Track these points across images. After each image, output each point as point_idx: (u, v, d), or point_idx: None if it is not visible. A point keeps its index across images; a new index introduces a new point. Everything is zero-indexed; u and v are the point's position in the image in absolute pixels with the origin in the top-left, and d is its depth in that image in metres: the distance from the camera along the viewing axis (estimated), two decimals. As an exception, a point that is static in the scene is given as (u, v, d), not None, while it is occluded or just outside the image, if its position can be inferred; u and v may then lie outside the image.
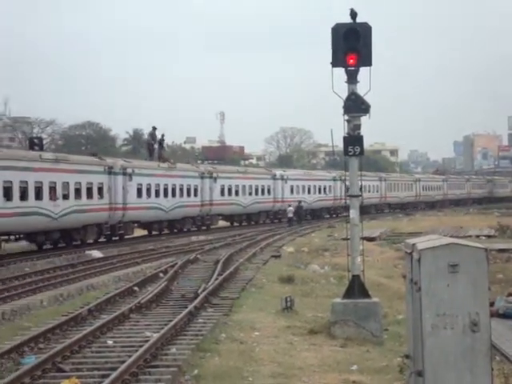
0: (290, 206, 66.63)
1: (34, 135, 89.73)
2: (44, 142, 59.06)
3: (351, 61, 17.33)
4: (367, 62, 17.35)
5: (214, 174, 60.97)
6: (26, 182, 37.91)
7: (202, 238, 50.28)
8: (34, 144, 45.31)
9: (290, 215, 65.43)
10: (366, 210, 72.93)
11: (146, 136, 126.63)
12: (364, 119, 17.70)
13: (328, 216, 79.57)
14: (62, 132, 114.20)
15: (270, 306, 21.19)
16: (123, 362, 13.87)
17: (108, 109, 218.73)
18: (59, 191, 40.74)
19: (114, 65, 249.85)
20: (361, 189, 18.21)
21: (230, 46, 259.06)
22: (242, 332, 17.60)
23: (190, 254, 35.99)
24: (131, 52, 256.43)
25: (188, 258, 33.93)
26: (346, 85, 17.62)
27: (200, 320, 19.08)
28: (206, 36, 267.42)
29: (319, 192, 78.27)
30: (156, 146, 58.39)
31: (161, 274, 28.49)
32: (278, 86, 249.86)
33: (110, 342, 16.47)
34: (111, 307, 21.37)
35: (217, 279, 25.65)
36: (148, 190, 50.79)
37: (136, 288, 24.98)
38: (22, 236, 39.91)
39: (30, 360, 14.32)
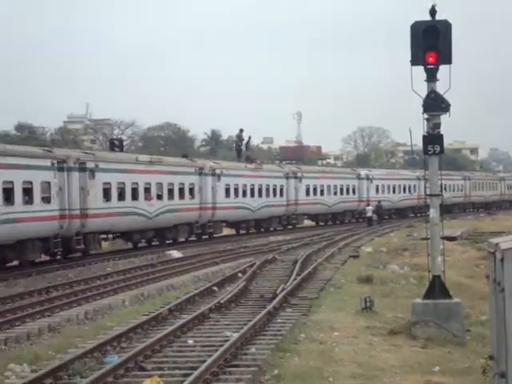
0: (368, 205, 66.36)
1: (115, 137, 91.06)
2: (124, 143, 59.83)
3: (431, 59, 17.16)
4: (447, 60, 17.15)
5: (299, 174, 62.09)
6: (124, 183, 39.85)
7: (280, 238, 50.35)
8: (115, 145, 46.05)
9: (369, 215, 65.09)
10: (449, 209, 73.51)
11: (223, 137, 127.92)
12: (443, 117, 17.51)
13: (413, 215, 79.22)
14: (142, 133, 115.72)
15: (349, 307, 21.10)
16: (204, 361, 13.98)
17: (186, 110, 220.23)
18: (154, 192, 42.52)
19: (189, 65, 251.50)
20: (441, 188, 18.00)
21: (310, 45, 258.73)
22: (322, 332, 17.56)
23: (268, 254, 36.08)
24: (204, 52, 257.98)
25: (266, 258, 34.02)
26: (426, 83, 17.44)
27: (279, 320, 19.10)
28: (277, 29, 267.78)
29: (404, 191, 78.32)
30: (243, 147, 60.00)
31: (239, 274, 28.62)
32: (356, 85, 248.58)
33: (190, 342, 16.61)
34: (191, 307, 21.55)
35: (295, 279, 25.64)
36: (236, 190, 52.34)
37: (215, 288, 25.14)
38: (118, 235, 41.40)
39: (113, 359, 14.53)
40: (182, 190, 45.62)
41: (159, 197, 43.12)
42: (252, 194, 54.70)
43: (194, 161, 49.89)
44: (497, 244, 9.28)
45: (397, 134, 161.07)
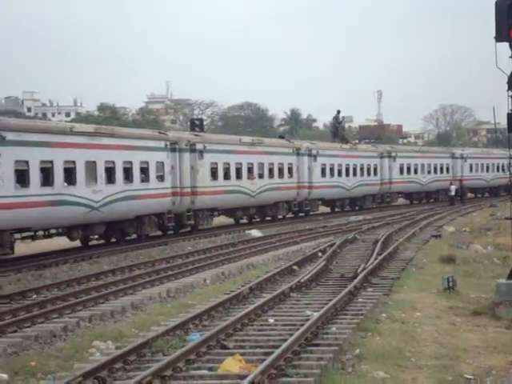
0: (452, 184, 65.57)
1: (195, 117, 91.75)
2: (204, 123, 60.36)
3: (516, 35, 16.71)
4: (532, 35, 16.68)
5: (393, 154, 63.67)
6: (228, 163, 42.72)
7: (360, 217, 50.12)
8: (195, 125, 46.47)
9: (452, 194, 64.39)
10: None
11: (303, 116, 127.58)
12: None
13: (505, 193, 78.32)
14: (222, 113, 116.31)
15: (431, 286, 20.90)
16: (285, 340, 14.00)
17: (265, 89, 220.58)
18: (255, 171, 45.14)
19: (267, 46, 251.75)
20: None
21: (383, 19, 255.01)
22: (403, 312, 17.43)
23: (348, 234, 35.94)
24: (282, 35, 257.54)
25: (346, 237, 33.88)
26: (511, 60, 17.04)
27: (360, 300, 19.00)
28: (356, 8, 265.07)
29: (497, 170, 78.07)
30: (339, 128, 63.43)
31: (319, 254, 28.56)
32: (439, 62, 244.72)
33: (271, 321, 16.65)
34: (271, 286, 21.60)
35: (376, 259, 25.47)
36: (331, 169, 54.54)
37: (295, 267, 25.15)
38: (221, 212, 43.38)
39: (195, 337, 14.65)
40: (281, 170, 48.10)
41: (260, 176, 45.72)
42: (347, 174, 56.63)
43: (292, 142, 52.64)
44: None
45: (480, 112, 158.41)
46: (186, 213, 38.38)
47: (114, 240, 34.80)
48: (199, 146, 39.56)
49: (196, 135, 41.42)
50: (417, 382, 12.01)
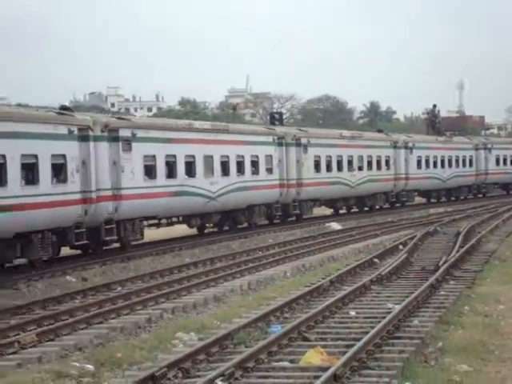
0: None
1: (274, 110, 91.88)
2: (283, 116, 60.49)
3: None
4: None
5: (489, 145, 64.31)
6: (330, 156, 44.74)
7: (440, 210, 49.55)
8: (275, 119, 46.69)
9: None
10: None
11: (382, 109, 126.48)
12: None
13: None
14: (301, 106, 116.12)
15: (516, 280, 20.57)
16: (366, 332, 13.99)
17: (344, 83, 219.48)
18: (355, 164, 46.97)
19: (346, 40, 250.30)
20: None
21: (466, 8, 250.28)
22: (486, 305, 17.23)
23: (429, 226, 35.59)
24: (359, 32, 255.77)
25: (427, 230, 33.56)
26: None
27: (442, 292, 18.84)
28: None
29: None
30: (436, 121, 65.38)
31: (400, 246, 28.35)
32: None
33: (352, 313, 16.66)
34: (352, 278, 21.57)
35: (458, 251, 25.18)
36: (426, 161, 55.66)
37: (376, 260, 25.04)
38: (323, 202, 45.46)
39: (277, 329, 14.75)
40: (379, 162, 49.80)
41: (360, 168, 47.55)
42: (442, 165, 57.61)
43: (389, 135, 53.88)
44: None
45: None
46: (291, 203, 40.88)
47: (226, 228, 37.35)
48: (304, 141, 41.74)
49: (301, 130, 43.71)
50: (500, 375, 11.89)
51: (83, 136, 26.39)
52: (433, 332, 14.53)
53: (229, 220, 36.91)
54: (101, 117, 29.72)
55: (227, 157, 35.33)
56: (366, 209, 49.51)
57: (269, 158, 38.86)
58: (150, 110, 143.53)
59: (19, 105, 48.56)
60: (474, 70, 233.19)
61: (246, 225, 38.05)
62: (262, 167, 38.31)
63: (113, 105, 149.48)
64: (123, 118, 30.90)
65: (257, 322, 15.46)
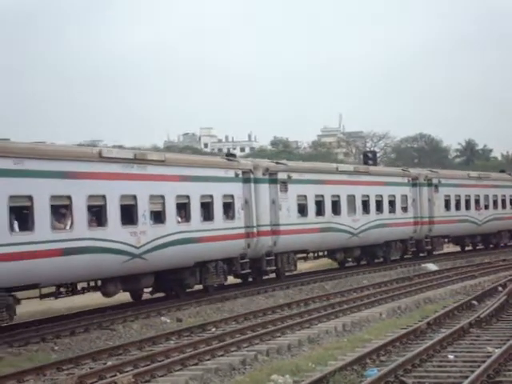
0: None
1: (367, 149, 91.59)
2: (377, 155, 60.33)
3: None
4: None
5: (435, 181, 59.33)
6: (459, 195, 47.44)
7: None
8: (368, 158, 46.57)
9: None
10: None
11: (478, 146, 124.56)
12: None
13: None
14: (394, 145, 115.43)
15: None
16: (466, 377, 13.64)
17: (439, 120, 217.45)
18: (482, 203, 49.46)
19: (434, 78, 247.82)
20: None
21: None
22: None
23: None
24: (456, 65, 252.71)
25: (528, 271, 32.71)
26: None
27: (544, 336, 18.26)
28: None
29: None
30: None
31: (499, 288, 27.68)
32: None
33: (450, 357, 16.26)
34: (450, 321, 21.12)
35: (560, 293, 24.42)
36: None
37: (474, 302, 24.48)
38: (451, 239, 49.04)
39: (373, 372, 14.51)
40: (503, 201, 52.03)
41: (486, 207, 50.00)
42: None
43: (510, 174, 56.42)
44: None
45: None
46: (424, 239, 43.68)
47: (364, 262, 40.58)
48: (435, 181, 44.92)
49: (432, 171, 46.98)
50: None
51: (246, 178, 30.40)
52: (535, 377, 14.05)
53: (367, 254, 39.98)
54: (261, 161, 33.79)
55: (367, 196, 38.46)
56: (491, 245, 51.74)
57: (404, 197, 42.12)
58: (242, 150, 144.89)
59: (116, 146, 49.57)
60: None
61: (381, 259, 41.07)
62: (398, 206, 41.42)
63: (206, 145, 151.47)
64: (280, 163, 34.51)
65: (352, 364, 15.23)
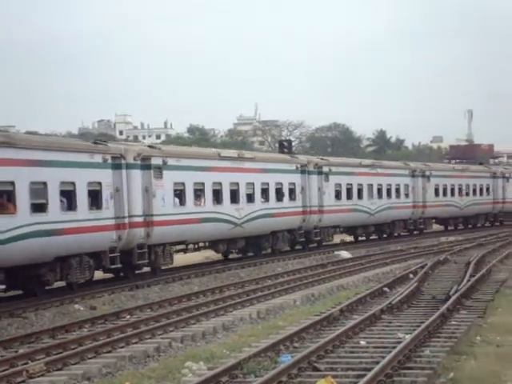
0: None
1: (283, 138, 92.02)
2: (292, 144, 60.66)
3: None
4: None
5: (507, 175, 66.14)
6: (351, 184, 45.74)
7: (451, 238, 49.40)
8: (284, 147, 46.67)
9: None
10: None
11: (389, 137, 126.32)
12: None
13: None
14: (310, 134, 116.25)
15: (528, 309, 20.40)
16: (377, 362, 13.87)
17: (352, 111, 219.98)
18: (375, 191, 47.97)
19: (359, 66, 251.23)
20: None
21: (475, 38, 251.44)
22: (499, 335, 17.06)
23: (439, 255, 35.44)
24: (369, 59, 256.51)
25: (438, 258, 33.40)
26: None
27: (453, 322, 18.70)
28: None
29: None
30: None
31: (410, 275, 28.22)
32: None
33: (362, 343, 16.52)
34: (362, 307, 21.45)
35: (469, 280, 25.03)
36: (444, 189, 57.37)
37: (386, 289, 24.91)
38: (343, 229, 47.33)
39: (286, 359, 14.63)
40: (397, 190, 50.84)
41: (379, 196, 48.59)
42: (460, 193, 59.45)
43: (408, 164, 55.76)
44: None
45: None
46: (313, 229, 41.74)
47: (251, 254, 38.19)
48: (325, 169, 42.97)
49: (322, 159, 45.33)
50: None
51: (116, 164, 27.60)
52: (444, 362, 14.37)
53: (253, 246, 37.81)
54: (133, 145, 31.63)
55: (252, 184, 36.33)
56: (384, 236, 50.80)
57: (292, 185, 40.04)
58: (158, 137, 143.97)
59: (29, 132, 48.69)
60: (483, 97, 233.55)
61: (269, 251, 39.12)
62: (286, 194, 39.44)
63: (121, 132, 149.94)
64: (154, 147, 32.08)
65: (266, 351, 15.34)
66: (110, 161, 27.20)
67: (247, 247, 37.45)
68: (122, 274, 29.14)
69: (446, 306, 19.97)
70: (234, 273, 31.83)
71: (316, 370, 14.07)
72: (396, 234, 51.69)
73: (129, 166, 28.22)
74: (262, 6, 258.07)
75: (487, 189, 63.14)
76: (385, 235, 50.51)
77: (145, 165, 29.11)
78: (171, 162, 30.54)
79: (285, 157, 41.86)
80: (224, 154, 35.74)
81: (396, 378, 13.32)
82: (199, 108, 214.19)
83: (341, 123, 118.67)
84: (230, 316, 21.04)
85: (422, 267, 29.93)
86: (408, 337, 16.15)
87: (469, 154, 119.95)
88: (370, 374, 12.79)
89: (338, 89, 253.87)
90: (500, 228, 60.43)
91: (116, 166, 27.56)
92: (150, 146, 31.88)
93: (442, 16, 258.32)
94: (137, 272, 29.84)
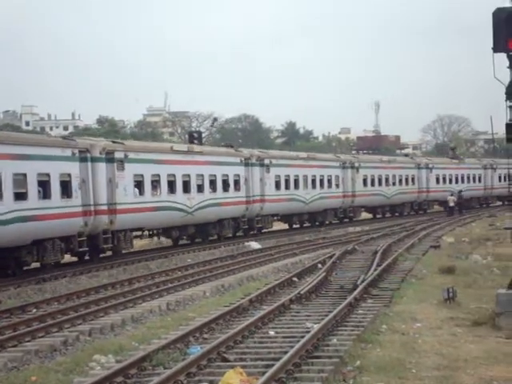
0: (451, 195, 65.64)
1: (193, 129, 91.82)
2: (202, 135, 60.66)
3: (513, 45, 16.81)
4: (530, 45, 16.79)
5: (430, 165, 70.03)
6: (289, 175, 48.91)
7: (358, 228, 50.15)
8: (193, 138, 46.72)
9: (452, 204, 64.35)
10: None
11: (298, 127, 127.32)
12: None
13: (478, 206, 77.34)
14: (220, 125, 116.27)
15: (432, 297, 20.85)
16: (285, 352, 13.99)
17: (262, 102, 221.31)
18: (309, 182, 51.16)
19: (265, 59, 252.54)
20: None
21: (383, 32, 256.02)
22: (404, 323, 17.41)
23: (347, 245, 35.93)
24: (278, 49, 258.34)
25: (346, 248, 33.87)
26: (509, 70, 17.09)
27: (360, 311, 19.00)
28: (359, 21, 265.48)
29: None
30: None
31: (319, 265, 28.54)
32: (435, 74, 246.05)
33: (271, 333, 16.64)
34: (271, 298, 21.59)
35: (376, 270, 25.47)
36: (372, 180, 60.79)
37: (295, 279, 25.13)
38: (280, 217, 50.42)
39: (196, 350, 14.64)
40: (329, 181, 54.14)
41: (313, 187, 51.78)
42: (387, 183, 63.10)
43: (338, 156, 60.62)
44: None
45: (477, 123, 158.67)
46: (255, 217, 45.26)
47: (199, 240, 41.15)
48: (267, 161, 46.39)
49: (263, 152, 48.86)
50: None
51: (83, 157, 30.91)
52: (351, 351, 14.58)
53: (202, 233, 40.80)
54: (99, 140, 34.32)
55: (202, 175, 39.65)
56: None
57: (237, 176, 43.31)
58: (66, 128, 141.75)
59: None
60: (391, 90, 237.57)
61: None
62: (231, 185, 42.69)
63: (27, 123, 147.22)
64: (117, 142, 35.29)
65: (176, 343, 15.31)
66: (77, 155, 30.45)
67: (196, 234, 40.46)
68: (87, 258, 32.67)
69: (353, 296, 20.28)
70: (143, 264, 31.65)
71: (225, 360, 14.11)
72: (327, 222, 54.80)
73: (94, 160, 31.43)
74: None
75: (412, 179, 66.80)
76: (317, 223, 53.40)
77: (109, 158, 32.30)
78: (132, 155, 33.72)
79: (230, 150, 45.05)
80: (176, 147, 39.36)
81: (304, 366, 13.46)
82: (108, 99, 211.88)
83: (250, 114, 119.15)
84: (139, 308, 20.92)
85: (331, 257, 30.30)
86: (316, 326, 16.33)
87: (376, 144, 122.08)
88: (278, 364, 12.89)
89: (246, 81, 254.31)
90: (422, 215, 65.08)
91: (83, 159, 30.80)
92: (113, 142, 34.99)
93: (347, 10, 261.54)
94: (101, 256, 33.01)
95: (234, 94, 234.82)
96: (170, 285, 25.03)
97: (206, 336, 16.40)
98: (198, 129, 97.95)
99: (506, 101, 17.14)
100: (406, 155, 72.66)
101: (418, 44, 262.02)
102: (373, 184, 60.72)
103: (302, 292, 21.40)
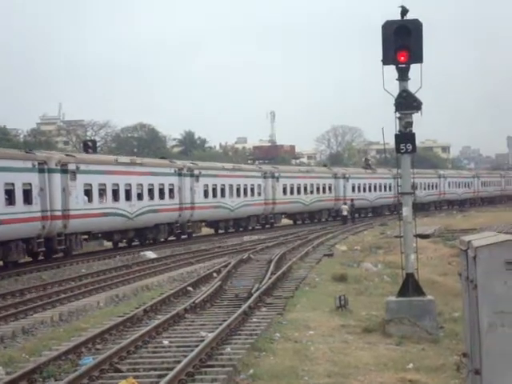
0: (345, 204, 66.87)
1: (88, 138, 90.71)
2: (97, 144, 60.06)
3: (402, 58, 17.23)
4: (418, 59, 17.23)
5: (347, 175, 73.86)
6: (216, 184, 53.04)
7: (254, 237, 50.47)
8: (88, 147, 46.05)
9: (345, 213, 65.47)
10: (424, 208, 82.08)
11: (196, 137, 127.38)
12: (416, 116, 17.60)
13: (389, 213, 79.27)
14: (115, 134, 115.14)
15: (324, 305, 21.16)
16: (179, 361, 13.97)
17: (159, 110, 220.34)
18: (234, 191, 55.29)
19: (164, 66, 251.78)
20: (413, 186, 18.14)
21: (279, 43, 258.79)
22: (297, 331, 17.60)
23: (242, 254, 36.10)
24: (177, 56, 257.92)
25: (241, 257, 34.03)
26: (398, 82, 17.52)
27: (254, 319, 19.13)
28: (253, 32, 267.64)
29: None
30: None
31: (214, 274, 28.61)
32: (329, 85, 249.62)
33: (165, 342, 16.60)
34: (166, 307, 21.54)
35: (270, 278, 25.69)
36: (291, 188, 64.59)
37: (190, 288, 25.13)
38: (209, 223, 54.39)
39: (88, 361, 14.49)
40: (252, 190, 58.05)
41: (238, 194, 55.98)
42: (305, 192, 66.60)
43: (260, 167, 65.66)
44: (469, 242, 9.34)
45: (370, 133, 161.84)
46: (186, 223, 49.12)
47: (137, 243, 45.31)
48: (196, 172, 50.40)
49: (193, 163, 52.96)
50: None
51: (41, 169, 34.75)
52: (245, 359, 14.68)
53: (141, 237, 44.97)
54: (55, 154, 39.06)
55: (141, 184, 43.78)
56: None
57: (171, 185, 47.29)
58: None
59: None
60: (286, 101, 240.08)
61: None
62: (166, 193, 46.71)
63: None
64: (71, 155, 39.99)
65: (67, 354, 15.13)
66: (37, 166, 34.41)
67: (135, 237, 44.79)
68: (42, 258, 36.25)
69: (247, 304, 20.40)
70: (35, 275, 31.08)
71: (118, 371, 14.00)
72: (250, 228, 58.86)
73: (51, 171, 35.43)
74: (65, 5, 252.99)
75: (329, 188, 70.87)
76: (241, 229, 57.35)
77: (63, 169, 36.34)
78: (82, 167, 37.89)
79: (166, 162, 49.70)
80: (120, 160, 43.40)
81: (197, 376, 13.48)
82: None
83: (147, 123, 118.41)
84: (30, 319, 20.52)
85: (226, 266, 30.40)
86: (210, 335, 16.36)
87: (271, 154, 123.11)
88: (171, 374, 12.87)
89: (143, 89, 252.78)
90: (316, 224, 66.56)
91: (41, 170, 34.74)
92: (67, 155, 39.49)
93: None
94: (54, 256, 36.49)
95: (131, 104, 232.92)
96: (62, 295, 24.65)
97: (98, 347, 16.23)
98: (93, 137, 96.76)
99: (395, 112, 17.56)
100: (325, 165, 76.49)
101: (310, 54, 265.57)
102: (292, 192, 64.57)
103: (196, 301, 21.43)
